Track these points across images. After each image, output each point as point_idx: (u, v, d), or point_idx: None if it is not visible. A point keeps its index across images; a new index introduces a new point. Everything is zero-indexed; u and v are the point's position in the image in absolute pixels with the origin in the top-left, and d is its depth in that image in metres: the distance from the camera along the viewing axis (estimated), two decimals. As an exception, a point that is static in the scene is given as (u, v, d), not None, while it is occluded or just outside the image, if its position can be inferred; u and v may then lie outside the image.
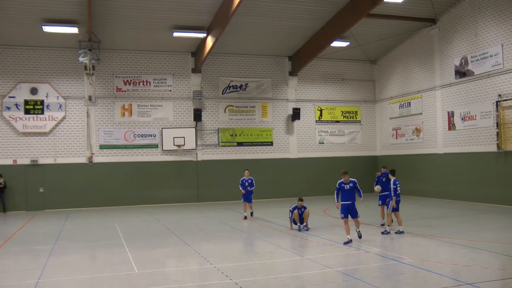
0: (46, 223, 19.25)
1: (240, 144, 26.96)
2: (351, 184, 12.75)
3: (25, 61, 24.07)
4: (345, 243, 12.47)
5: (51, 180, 23.90)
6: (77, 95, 24.54)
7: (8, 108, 23.66)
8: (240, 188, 18.31)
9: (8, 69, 23.86)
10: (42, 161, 23.88)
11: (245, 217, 18.38)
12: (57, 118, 24.18)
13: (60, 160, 24.04)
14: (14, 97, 23.75)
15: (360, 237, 12.89)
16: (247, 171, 18.75)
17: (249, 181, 18.29)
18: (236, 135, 26.93)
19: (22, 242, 14.56)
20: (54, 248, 13.05)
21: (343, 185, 12.78)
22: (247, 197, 18.28)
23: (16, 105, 23.75)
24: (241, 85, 27.12)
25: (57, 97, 24.20)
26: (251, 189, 18.25)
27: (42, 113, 23.98)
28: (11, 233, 16.58)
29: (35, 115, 23.92)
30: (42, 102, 24.03)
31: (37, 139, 24.03)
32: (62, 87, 24.42)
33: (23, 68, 24.04)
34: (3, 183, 23.07)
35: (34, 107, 23.96)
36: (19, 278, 9.98)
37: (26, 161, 23.74)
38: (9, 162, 23.55)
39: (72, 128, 24.55)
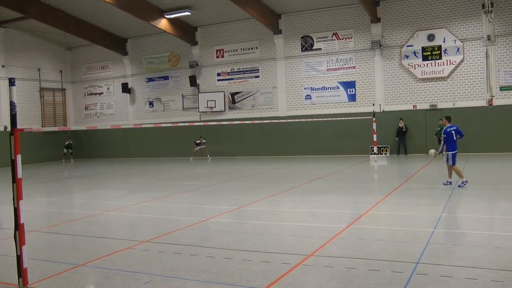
0: (437, 166, 19.63)
1: None
2: None
3: (421, 10, 24.61)
4: None
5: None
6: (475, 36, 23.58)
7: (407, 57, 24.95)
8: None
9: (405, 20, 24.97)
10: (440, 105, 24.27)
11: None
12: (455, 62, 23.99)
13: (459, 104, 23.82)
14: (411, 45, 24.84)
15: None
16: None
17: None
18: None
19: (422, 181, 15.42)
20: (455, 188, 13.21)
21: None
22: None
23: (414, 53, 24.79)
24: None
25: (454, 40, 23.95)
26: None
27: (440, 58, 24.26)
28: (412, 173, 17.74)
29: (433, 61, 24.43)
30: (439, 47, 24.28)
31: (436, 84, 24.52)
32: (458, 30, 23.96)
33: (419, 16, 24.67)
34: (404, 127, 24.71)
35: (431, 53, 24.48)
36: (425, 211, 10.65)
37: (425, 106, 24.65)
38: (409, 107, 24.96)
39: (470, 70, 23.87)
